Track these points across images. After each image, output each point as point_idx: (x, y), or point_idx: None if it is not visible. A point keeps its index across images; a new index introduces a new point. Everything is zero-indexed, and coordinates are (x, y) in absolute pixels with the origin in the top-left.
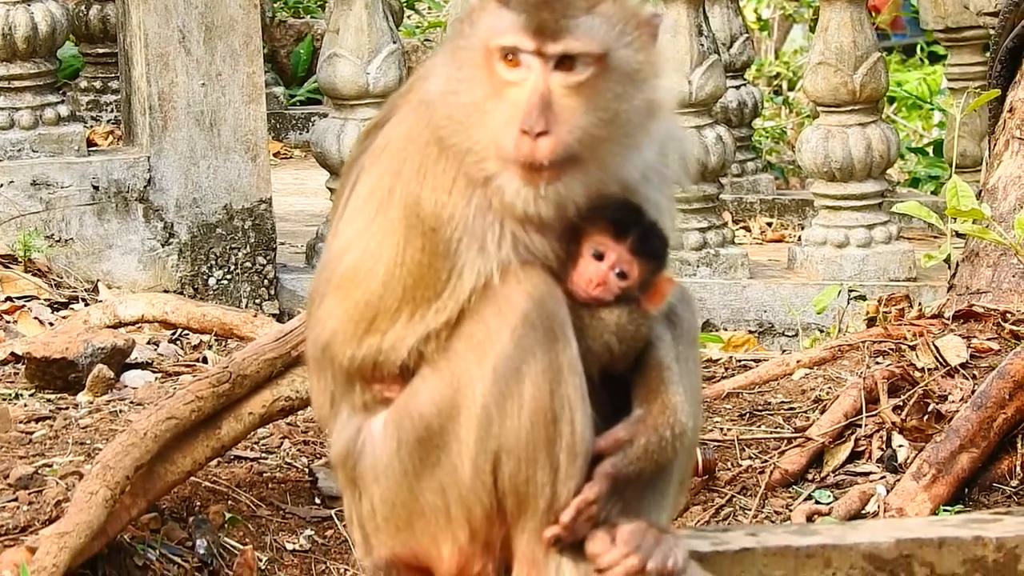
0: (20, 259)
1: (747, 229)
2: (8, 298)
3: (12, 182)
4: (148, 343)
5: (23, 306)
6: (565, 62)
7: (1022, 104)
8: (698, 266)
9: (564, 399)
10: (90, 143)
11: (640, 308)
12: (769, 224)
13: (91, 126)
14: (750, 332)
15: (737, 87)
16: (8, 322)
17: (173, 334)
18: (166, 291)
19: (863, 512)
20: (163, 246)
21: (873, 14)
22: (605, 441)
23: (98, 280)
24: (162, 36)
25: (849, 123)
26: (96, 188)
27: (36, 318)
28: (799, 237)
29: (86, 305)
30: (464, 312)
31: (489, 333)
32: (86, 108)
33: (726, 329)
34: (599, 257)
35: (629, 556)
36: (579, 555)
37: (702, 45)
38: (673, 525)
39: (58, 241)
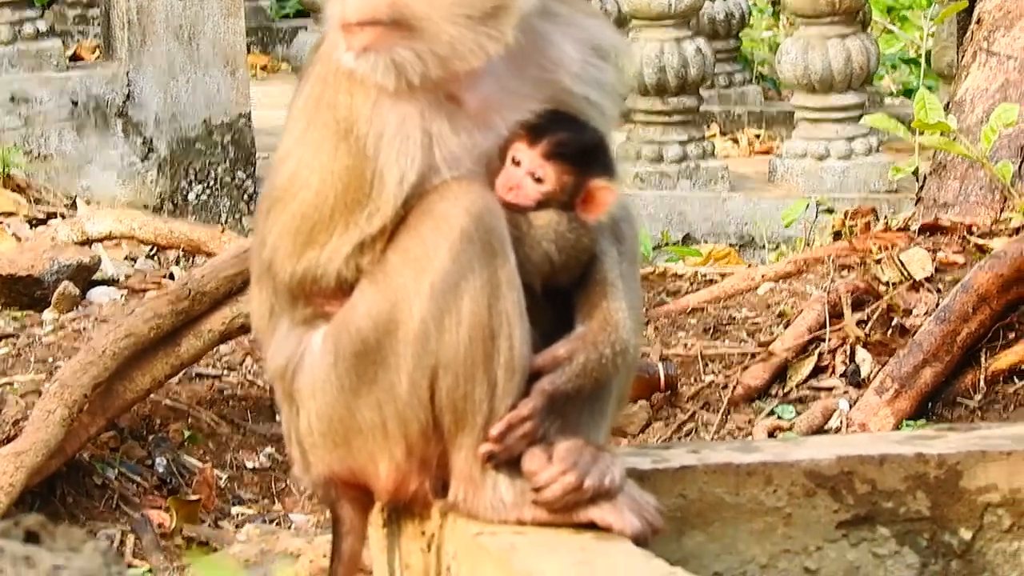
0: None
1: (735, 141)
2: None
3: None
4: (125, 259)
5: (1, 223)
6: None
7: (989, 15)
8: (678, 179)
9: (502, 315)
10: (76, 57)
11: (578, 218)
12: (757, 136)
13: (79, 40)
14: (731, 245)
15: None
16: None
17: (151, 251)
18: (145, 206)
19: (825, 427)
20: (142, 161)
21: None
22: (543, 358)
23: (76, 196)
24: None
25: (829, 35)
26: (75, 103)
27: (14, 235)
28: (780, 149)
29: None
30: (401, 226)
31: (427, 248)
32: (73, 22)
33: (707, 242)
34: (517, 163)
35: (566, 473)
36: (516, 472)
37: None
38: (611, 441)
39: (37, 157)
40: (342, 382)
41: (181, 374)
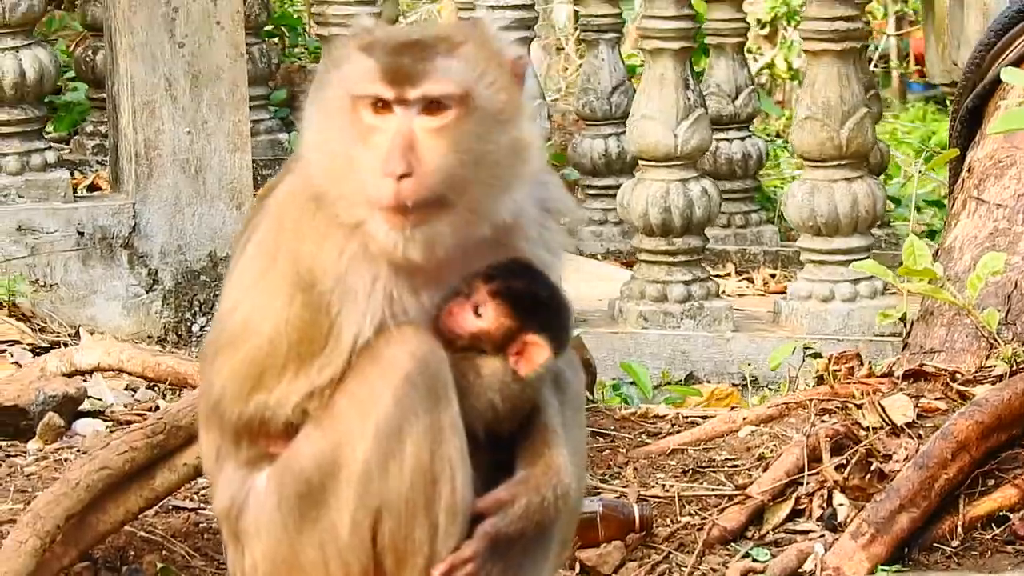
0: (4, 304)
1: (750, 280)
2: None
3: None
4: (126, 388)
5: (3, 351)
6: (429, 105)
7: (980, 164)
8: (682, 318)
9: (445, 459)
10: (94, 187)
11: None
12: (772, 275)
13: (96, 170)
14: (734, 385)
15: (742, 139)
16: None
17: (150, 384)
18: (149, 337)
19: (800, 571)
20: (147, 292)
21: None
22: (485, 502)
23: (80, 325)
24: (149, 84)
25: (835, 178)
26: (81, 234)
27: (16, 363)
28: (765, 283)
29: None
30: (348, 370)
31: (372, 392)
32: (91, 152)
33: (709, 382)
34: (467, 296)
35: None
36: None
37: (688, 98)
38: None
39: (43, 286)
40: (285, 522)
41: (158, 506)
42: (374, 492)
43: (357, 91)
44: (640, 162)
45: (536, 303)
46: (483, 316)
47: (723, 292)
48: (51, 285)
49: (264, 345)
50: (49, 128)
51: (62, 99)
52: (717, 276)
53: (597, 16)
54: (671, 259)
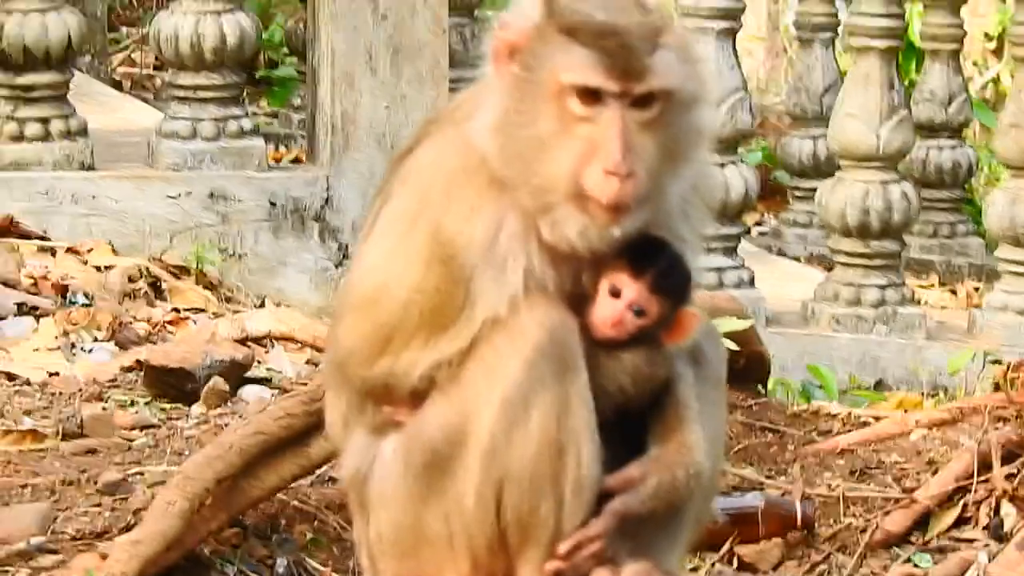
0: (192, 271)
1: (953, 292)
2: (175, 309)
3: (190, 193)
4: (306, 363)
5: (187, 318)
6: (640, 99)
7: None
8: (875, 323)
9: (572, 431)
10: (298, 160)
11: (660, 348)
12: (976, 289)
13: (301, 145)
14: (923, 394)
15: (952, 147)
16: (170, 333)
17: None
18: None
19: None
20: (336, 267)
21: None
22: (616, 479)
23: (267, 296)
24: (349, 56)
25: None
26: (273, 204)
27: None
28: (969, 295)
29: None
30: (476, 339)
31: (500, 361)
32: (297, 126)
33: (899, 389)
34: (616, 295)
35: None
36: None
37: (892, 99)
38: (684, 568)
39: (232, 255)
40: (411, 491)
41: (313, 476)
42: (499, 463)
43: (573, 80)
44: (840, 161)
45: (687, 281)
46: (647, 313)
47: (923, 301)
48: (240, 255)
49: (397, 310)
50: (264, 103)
51: (277, 73)
52: (920, 287)
53: (813, 15)
54: (867, 262)
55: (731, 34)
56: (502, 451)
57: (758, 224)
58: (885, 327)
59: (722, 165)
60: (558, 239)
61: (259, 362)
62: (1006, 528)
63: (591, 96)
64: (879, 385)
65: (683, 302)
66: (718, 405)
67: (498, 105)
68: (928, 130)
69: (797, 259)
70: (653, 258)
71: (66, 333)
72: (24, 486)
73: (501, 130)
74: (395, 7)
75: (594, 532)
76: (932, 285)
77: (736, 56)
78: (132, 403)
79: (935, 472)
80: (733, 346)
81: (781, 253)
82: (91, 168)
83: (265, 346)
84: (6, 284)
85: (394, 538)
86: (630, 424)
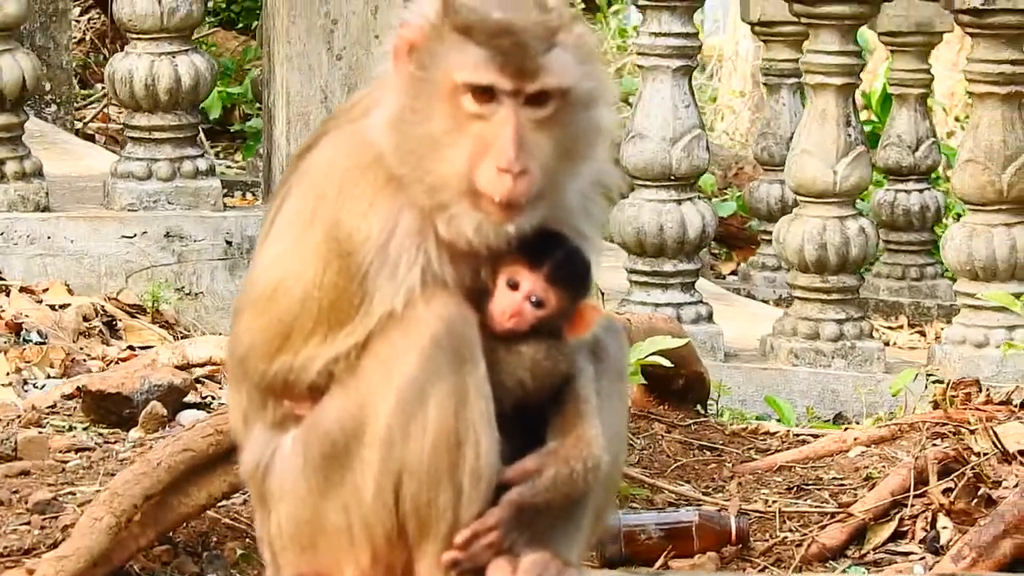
0: (148, 310)
1: (922, 334)
2: (130, 347)
3: (146, 232)
4: None
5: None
6: (535, 97)
7: None
8: (833, 358)
9: (469, 423)
10: None
11: (559, 342)
12: (942, 329)
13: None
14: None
15: (920, 191)
16: None
17: None
18: None
19: None
20: None
21: None
22: (513, 470)
23: (223, 335)
24: (304, 95)
25: (995, 223)
26: (229, 243)
27: None
28: (937, 336)
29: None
30: (373, 333)
31: (396, 353)
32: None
33: (858, 423)
34: (514, 287)
35: None
36: None
37: (849, 135)
38: (584, 562)
39: (188, 294)
40: (310, 484)
41: (243, 493)
42: (396, 455)
43: (466, 78)
44: (798, 198)
45: (586, 273)
46: (545, 304)
47: (892, 343)
48: (196, 293)
49: (294, 307)
50: (238, 156)
51: (250, 125)
52: (889, 328)
53: (779, 60)
54: (825, 296)
55: (687, 72)
56: (399, 442)
57: (733, 274)
58: (843, 361)
59: (678, 202)
60: (454, 236)
61: (199, 386)
62: (942, 541)
63: (485, 94)
64: (838, 418)
65: (582, 294)
66: (619, 399)
67: (394, 103)
68: (896, 174)
69: (765, 302)
70: (550, 251)
71: (18, 370)
72: None
73: (396, 128)
74: (350, 47)
75: (491, 522)
76: (901, 327)
77: (692, 94)
78: (70, 428)
79: (872, 488)
80: (667, 363)
81: (750, 296)
82: (46, 209)
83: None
84: None
85: (294, 531)
86: (530, 419)
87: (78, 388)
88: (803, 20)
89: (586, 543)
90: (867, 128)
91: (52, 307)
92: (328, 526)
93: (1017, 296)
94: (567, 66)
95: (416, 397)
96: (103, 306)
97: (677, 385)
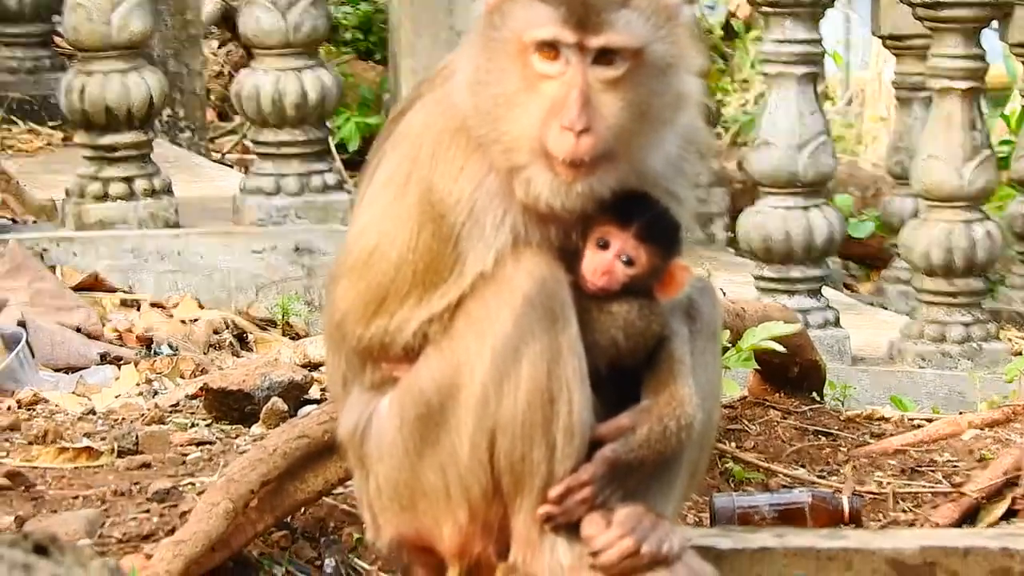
0: (278, 322)
1: None
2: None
3: (275, 247)
4: None
5: None
6: (603, 56)
7: None
8: (959, 359)
9: (562, 380)
10: None
11: (652, 302)
12: None
13: None
14: None
15: None
16: None
17: None
18: None
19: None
20: None
21: None
22: (607, 427)
23: None
24: None
25: None
26: None
27: None
28: None
29: None
30: (466, 294)
31: (489, 313)
32: None
33: None
34: (604, 246)
35: (624, 538)
36: (575, 537)
37: (975, 139)
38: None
39: (317, 307)
40: (407, 445)
41: None
42: (491, 412)
43: (533, 35)
44: (924, 202)
45: (675, 231)
46: (635, 262)
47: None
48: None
49: (390, 271)
50: None
51: None
52: (1022, 339)
53: (910, 74)
54: (951, 300)
55: (812, 79)
56: (493, 401)
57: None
58: (970, 362)
59: (805, 208)
60: (530, 198)
61: (320, 382)
62: None
63: (552, 51)
64: None
65: (672, 253)
66: (713, 358)
67: (470, 64)
68: None
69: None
70: (639, 210)
71: (149, 381)
72: (75, 497)
73: (473, 89)
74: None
75: (585, 477)
76: (992, 319)
77: (818, 100)
78: (192, 425)
79: (986, 468)
80: (781, 349)
81: (883, 308)
82: (176, 226)
83: None
84: (90, 336)
85: (393, 492)
86: (626, 380)
87: (201, 388)
88: (926, 24)
89: (681, 500)
90: (1006, 148)
91: (182, 321)
92: (426, 485)
93: None
94: (637, 26)
95: (509, 356)
96: (233, 320)
97: (792, 373)
